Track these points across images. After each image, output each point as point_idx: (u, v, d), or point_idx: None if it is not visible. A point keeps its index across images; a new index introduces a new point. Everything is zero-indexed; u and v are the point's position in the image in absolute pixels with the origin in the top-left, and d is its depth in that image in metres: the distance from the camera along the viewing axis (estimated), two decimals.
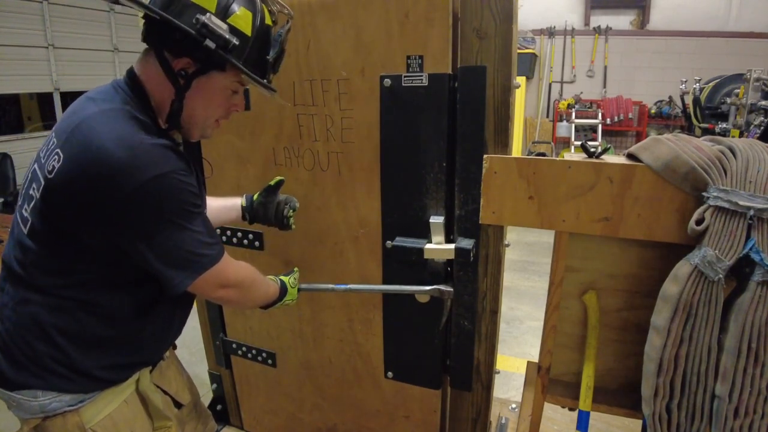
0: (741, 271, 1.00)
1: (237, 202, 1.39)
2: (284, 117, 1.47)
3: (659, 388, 1.06)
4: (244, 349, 1.83)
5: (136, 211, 0.83)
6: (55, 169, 0.84)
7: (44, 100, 5.73)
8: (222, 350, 1.88)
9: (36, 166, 0.92)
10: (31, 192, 0.91)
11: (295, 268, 1.37)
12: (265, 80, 0.99)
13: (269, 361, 1.81)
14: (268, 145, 1.52)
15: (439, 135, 1.29)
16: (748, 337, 0.98)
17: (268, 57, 0.98)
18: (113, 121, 0.85)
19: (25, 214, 0.92)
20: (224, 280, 0.99)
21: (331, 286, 1.38)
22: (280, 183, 1.38)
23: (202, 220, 0.93)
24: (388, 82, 1.30)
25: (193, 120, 0.97)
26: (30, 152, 5.31)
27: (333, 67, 1.36)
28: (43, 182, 0.87)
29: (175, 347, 1.26)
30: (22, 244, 0.92)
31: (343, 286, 1.36)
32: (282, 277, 1.28)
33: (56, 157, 0.85)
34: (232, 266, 1.01)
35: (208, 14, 0.84)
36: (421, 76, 1.26)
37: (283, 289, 1.25)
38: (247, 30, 0.91)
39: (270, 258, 1.65)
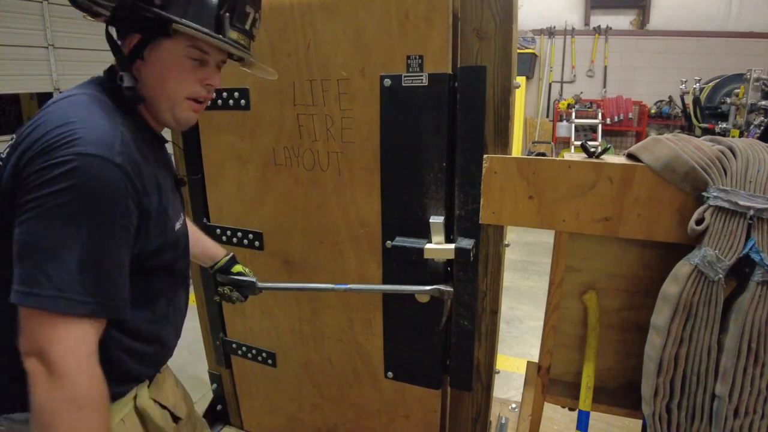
0: (741, 271, 1.00)
1: (219, 253, 1.35)
2: (284, 117, 1.47)
3: (659, 388, 1.06)
4: (244, 348, 1.83)
5: (39, 183, 0.71)
6: (6, 152, 0.79)
7: (44, 100, 5.72)
8: (222, 350, 1.88)
9: None
10: None
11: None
12: (221, 36, 0.86)
13: (269, 361, 1.80)
14: (268, 145, 1.52)
15: (439, 135, 1.29)
16: (748, 337, 0.98)
17: (222, 11, 0.86)
18: (68, 102, 0.80)
19: None
20: (46, 349, 0.69)
21: (331, 286, 1.38)
22: (233, 273, 1.34)
23: (94, 253, 0.73)
24: (388, 82, 1.30)
25: (156, 99, 0.88)
26: None
27: (333, 67, 1.36)
28: None
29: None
30: None
31: (343, 286, 1.36)
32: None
33: (12, 137, 0.81)
34: (76, 347, 0.71)
35: None
36: (421, 76, 1.26)
37: None
38: None
39: (270, 258, 1.65)
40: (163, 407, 1.08)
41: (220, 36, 0.86)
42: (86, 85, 0.88)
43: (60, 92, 5.64)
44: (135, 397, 0.99)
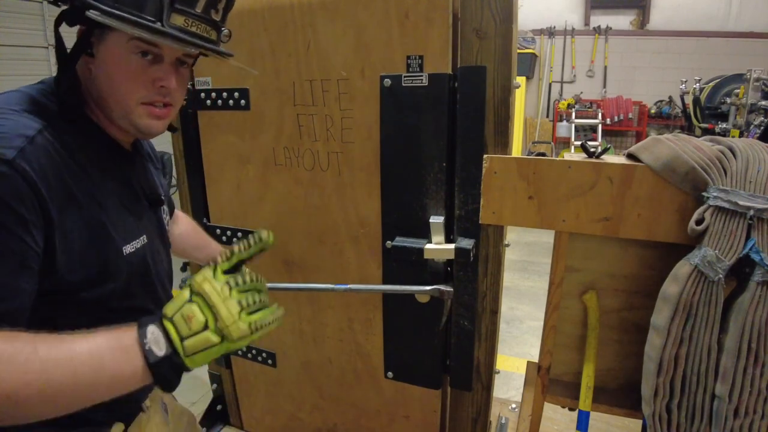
0: (741, 271, 1.00)
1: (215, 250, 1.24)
2: (284, 117, 1.47)
3: (659, 388, 1.06)
4: (243, 348, 1.83)
5: None
6: None
7: None
8: None
9: None
10: None
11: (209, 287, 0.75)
12: (158, 24, 0.70)
13: (269, 361, 1.81)
14: (268, 145, 1.52)
15: (439, 135, 1.29)
16: (748, 337, 0.98)
17: None
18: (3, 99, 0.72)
19: None
20: None
21: (331, 286, 1.38)
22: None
23: None
24: (388, 82, 1.30)
25: (108, 104, 0.77)
26: None
27: (333, 67, 1.36)
28: None
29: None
30: None
31: (343, 286, 1.36)
32: (165, 311, 0.69)
33: None
34: None
35: None
36: (421, 76, 1.26)
37: (147, 348, 0.64)
38: None
39: (270, 258, 1.65)
40: None
41: (159, 26, 0.69)
42: (35, 84, 0.78)
43: None
44: None
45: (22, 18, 5.06)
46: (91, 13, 0.65)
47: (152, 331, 0.65)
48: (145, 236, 0.88)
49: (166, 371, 0.64)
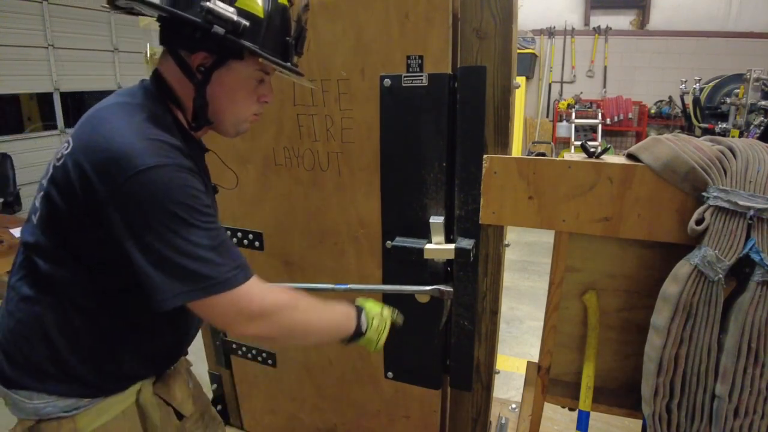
0: (741, 271, 1.00)
1: None
2: (284, 117, 1.47)
3: (659, 388, 1.06)
4: (244, 349, 1.83)
5: (129, 203, 0.76)
6: (63, 156, 0.83)
7: (44, 100, 5.73)
8: (222, 350, 1.88)
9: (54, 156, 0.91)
10: (43, 182, 0.89)
11: (388, 312, 1.15)
12: (288, 63, 0.94)
13: (269, 361, 1.80)
14: (268, 145, 1.52)
15: (439, 135, 1.29)
16: (748, 337, 0.98)
17: (288, 38, 0.93)
18: (124, 112, 0.84)
19: (37, 204, 0.90)
20: (244, 310, 0.84)
21: (331, 286, 1.38)
22: None
23: (211, 235, 0.81)
24: (388, 82, 1.30)
25: (223, 116, 0.94)
26: (30, 152, 5.30)
27: (333, 67, 1.36)
28: (51, 170, 0.86)
29: (186, 353, 1.19)
30: (31, 236, 0.90)
31: (343, 286, 1.36)
32: (366, 307, 1.10)
33: (66, 144, 0.85)
34: (256, 293, 0.85)
35: (212, 0, 0.81)
36: (421, 76, 1.26)
37: (359, 326, 1.06)
38: (259, 11, 0.86)
39: (270, 258, 1.65)
40: (168, 404, 1.10)
41: (289, 64, 0.94)
42: (136, 93, 0.91)
43: (60, 92, 5.57)
44: (139, 391, 1.02)
45: (22, 18, 5.05)
46: (263, 60, 0.87)
47: (362, 318, 1.07)
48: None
49: (354, 337, 1.06)
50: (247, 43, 0.85)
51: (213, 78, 0.89)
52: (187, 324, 1.07)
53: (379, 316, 1.10)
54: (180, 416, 1.14)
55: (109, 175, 0.76)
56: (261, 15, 0.86)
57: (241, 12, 0.84)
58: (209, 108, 0.92)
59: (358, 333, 1.05)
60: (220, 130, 0.99)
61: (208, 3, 0.80)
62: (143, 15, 0.92)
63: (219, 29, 0.81)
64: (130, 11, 0.90)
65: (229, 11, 0.82)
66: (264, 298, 0.86)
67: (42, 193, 0.88)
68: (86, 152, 0.79)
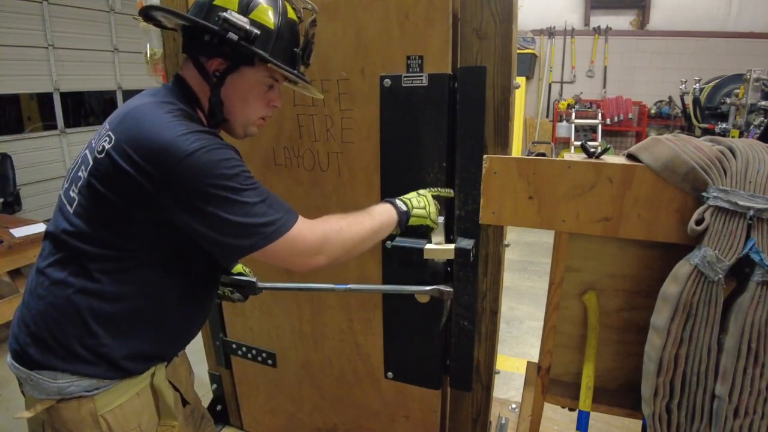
0: (741, 271, 1.00)
1: None
2: (284, 117, 1.47)
3: (659, 388, 1.06)
4: (244, 349, 1.83)
5: (184, 184, 0.86)
6: (105, 149, 0.90)
7: (44, 100, 5.73)
8: (222, 350, 1.88)
9: (87, 151, 0.97)
10: (79, 174, 0.96)
11: (424, 191, 1.26)
12: (295, 71, 1.04)
13: (269, 361, 1.81)
14: (268, 145, 1.52)
15: (439, 135, 1.29)
16: (748, 338, 0.98)
17: (296, 49, 1.04)
18: (161, 109, 0.92)
19: (72, 194, 0.96)
20: (301, 248, 0.97)
21: (331, 286, 1.38)
22: (233, 273, 1.35)
23: (258, 192, 0.93)
24: (388, 82, 1.30)
25: (234, 116, 1.04)
26: (30, 152, 5.30)
27: (333, 67, 1.36)
28: (92, 162, 0.92)
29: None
30: (68, 224, 0.94)
31: (343, 286, 1.36)
32: (397, 199, 1.20)
33: (107, 138, 0.91)
34: (306, 230, 0.98)
35: (229, 11, 0.93)
36: (421, 76, 1.26)
37: (400, 210, 1.16)
38: (269, 23, 0.98)
39: None
40: (176, 389, 1.16)
41: (296, 72, 1.04)
42: (165, 94, 0.99)
43: (60, 92, 5.59)
44: (153, 375, 1.07)
45: (22, 18, 5.06)
46: (273, 66, 0.98)
47: (399, 204, 1.18)
48: None
49: (403, 223, 1.16)
50: (258, 50, 0.95)
51: (227, 81, 0.99)
52: (210, 304, 1.17)
53: (415, 195, 1.22)
54: (184, 403, 1.21)
55: (161, 163, 0.85)
56: (272, 27, 0.98)
57: (253, 23, 0.95)
58: (224, 107, 1.02)
59: (406, 217, 1.16)
60: (230, 130, 1.08)
61: (225, 14, 0.92)
62: (168, 28, 1.06)
63: (233, 35, 0.92)
64: (158, 24, 1.02)
65: (242, 21, 0.93)
66: (314, 232, 0.98)
67: (79, 183, 0.95)
68: (134, 144, 0.87)
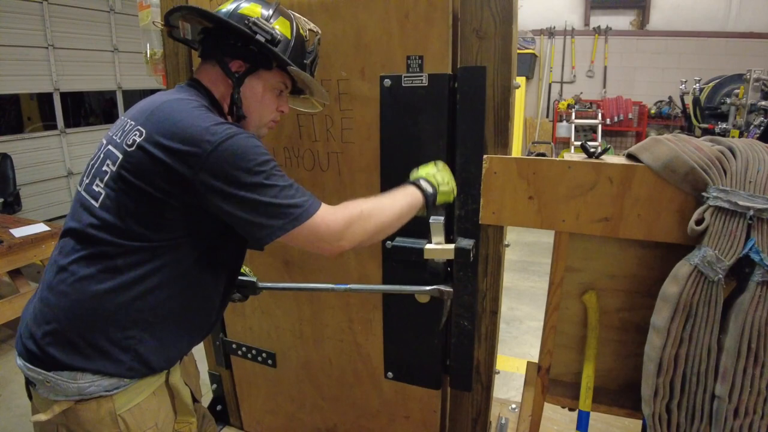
0: (741, 271, 1.00)
1: None
2: (284, 117, 1.46)
3: (659, 388, 1.06)
4: (244, 349, 1.83)
5: (217, 169, 0.90)
6: (137, 142, 0.92)
7: (44, 100, 5.73)
8: (222, 350, 1.88)
9: (110, 146, 0.99)
10: (104, 168, 0.97)
11: (441, 163, 1.27)
12: (307, 72, 1.12)
13: (269, 362, 1.81)
14: (268, 145, 1.52)
15: (439, 135, 1.29)
16: (748, 338, 0.98)
17: (305, 61, 1.14)
18: (189, 105, 0.97)
19: (97, 189, 0.97)
20: (324, 233, 0.99)
21: (330, 286, 1.38)
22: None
23: (285, 178, 0.97)
24: (388, 82, 1.30)
25: (250, 115, 1.09)
26: (30, 152, 5.31)
27: (333, 67, 1.36)
28: (121, 156, 0.94)
29: None
30: (94, 219, 0.95)
31: (343, 286, 1.36)
32: (421, 174, 1.22)
33: (137, 132, 0.94)
34: (329, 216, 1.00)
35: (255, 18, 1.03)
36: (421, 76, 1.26)
37: (426, 192, 1.17)
38: (288, 33, 1.08)
39: (270, 258, 1.65)
40: (187, 385, 1.16)
41: (307, 73, 1.11)
42: (187, 92, 1.04)
43: (60, 92, 5.61)
44: (168, 373, 1.08)
45: (22, 18, 5.06)
46: (292, 70, 1.06)
47: (423, 184, 1.18)
48: None
49: (431, 203, 1.17)
50: (280, 53, 1.04)
51: (245, 82, 1.06)
52: (227, 300, 1.20)
53: (434, 171, 1.22)
54: (195, 399, 1.21)
55: (194, 152, 0.89)
56: (290, 37, 1.08)
57: (276, 30, 1.06)
58: (243, 105, 1.07)
59: (433, 198, 1.17)
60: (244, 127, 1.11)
61: (253, 18, 1.03)
62: (180, 40, 1.14)
63: (261, 37, 1.02)
64: (171, 34, 1.11)
65: (269, 25, 1.04)
66: (336, 220, 1.00)
67: (106, 178, 0.96)
68: (167, 136, 0.91)
